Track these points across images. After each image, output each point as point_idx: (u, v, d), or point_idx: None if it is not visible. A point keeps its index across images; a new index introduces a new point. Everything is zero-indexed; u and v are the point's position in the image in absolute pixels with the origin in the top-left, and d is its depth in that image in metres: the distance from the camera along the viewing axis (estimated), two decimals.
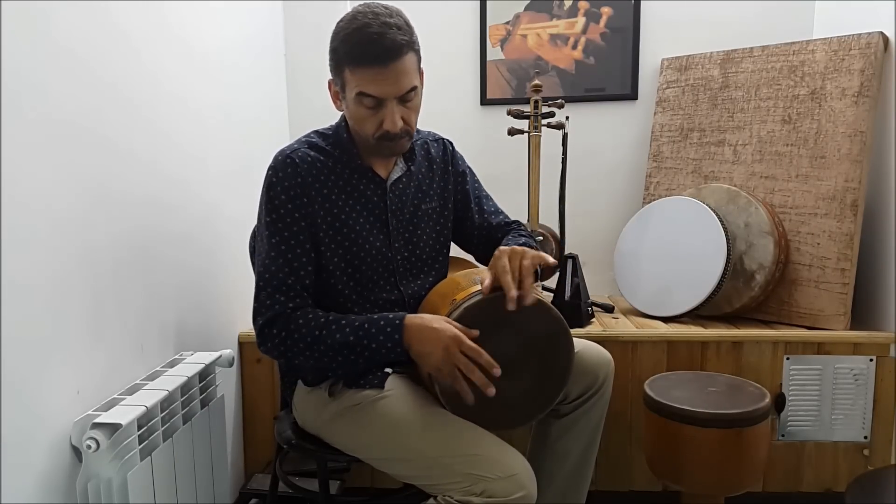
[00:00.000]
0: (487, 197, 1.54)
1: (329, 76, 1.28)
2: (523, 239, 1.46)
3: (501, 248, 1.23)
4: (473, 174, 1.52)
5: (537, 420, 1.38)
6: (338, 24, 1.23)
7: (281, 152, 1.32)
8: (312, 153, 1.31)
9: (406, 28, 1.21)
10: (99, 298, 1.24)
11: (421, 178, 1.41)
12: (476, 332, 1.17)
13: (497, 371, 1.15)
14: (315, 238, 1.29)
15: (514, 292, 1.15)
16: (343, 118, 1.35)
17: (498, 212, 1.54)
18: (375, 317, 1.24)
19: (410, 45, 1.21)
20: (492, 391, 1.16)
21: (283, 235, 1.27)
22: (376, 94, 1.21)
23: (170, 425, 1.32)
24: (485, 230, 1.50)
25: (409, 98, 1.24)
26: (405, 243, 1.37)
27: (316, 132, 1.37)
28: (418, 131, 1.45)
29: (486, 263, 1.43)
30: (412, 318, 1.22)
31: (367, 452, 1.27)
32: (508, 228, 1.52)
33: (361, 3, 1.23)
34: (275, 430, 1.45)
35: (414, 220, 1.39)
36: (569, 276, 1.95)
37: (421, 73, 1.30)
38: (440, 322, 1.19)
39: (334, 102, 1.32)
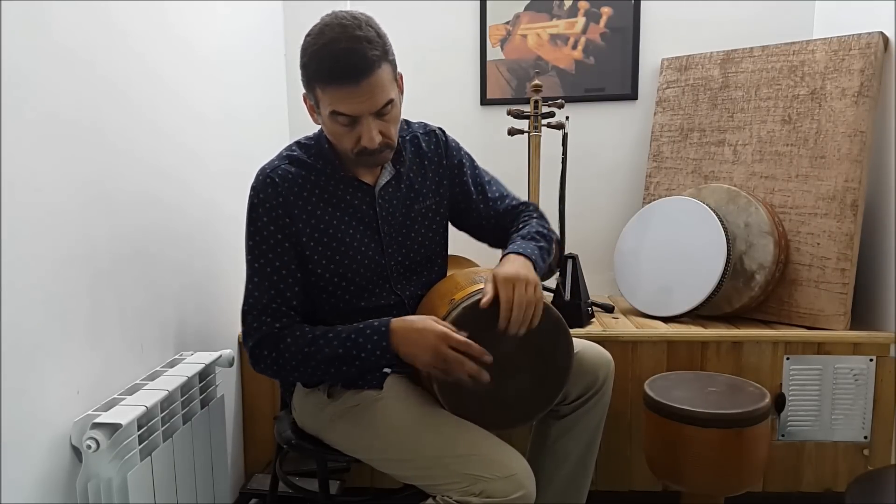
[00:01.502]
0: (490, 182, 1.47)
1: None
2: (534, 222, 1.40)
3: (507, 269, 1.21)
4: (472, 161, 1.46)
5: (537, 420, 1.38)
6: (306, 37, 1.17)
7: (262, 170, 1.28)
8: (294, 169, 1.28)
9: (377, 40, 1.15)
10: (99, 298, 1.24)
11: (412, 178, 1.37)
12: (465, 335, 1.15)
13: (488, 358, 1.15)
14: (301, 256, 1.27)
15: (512, 329, 1.18)
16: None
17: (504, 196, 1.47)
18: (361, 325, 1.22)
19: (383, 58, 1.15)
20: (486, 377, 1.16)
21: (267, 258, 1.25)
22: (350, 112, 1.16)
23: (170, 425, 1.32)
24: (493, 219, 1.45)
25: (385, 112, 1.19)
26: (398, 248, 1.35)
27: (297, 143, 1.33)
28: (408, 124, 1.40)
29: (502, 248, 1.38)
30: (397, 322, 1.21)
31: (366, 453, 1.27)
32: (517, 212, 1.45)
33: (330, 12, 1.17)
34: (275, 430, 1.45)
35: (406, 222, 1.36)
36: (569, 276, 1.95)
37: (400, 80, 1.25)
38: (425, 322, 1.18)
39: (311, 116, 1.27)
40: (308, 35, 1.18)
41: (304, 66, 1.19)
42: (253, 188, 1.28)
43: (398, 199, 1.35)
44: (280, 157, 1.31)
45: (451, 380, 1.18)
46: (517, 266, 1.22)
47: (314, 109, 1.25)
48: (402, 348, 1.19)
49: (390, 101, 1.19)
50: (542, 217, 1.45)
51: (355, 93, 1.14)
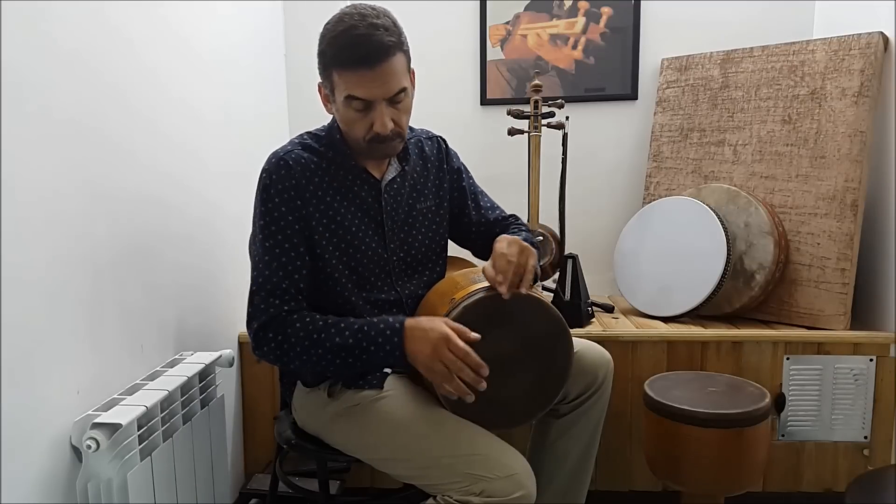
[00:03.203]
0: (483, 193, 1.53)
1: (319, 79, 1.27)
2: (523, 234, 1.45)
3: (503, 236, 1.26)
4: (468, 171, 1.52)
5: (537, 420, 1.38)
6: (325, 25, 1.22)
7: (274, 154, 1.30)
8: (306, 154, 1.30)
9: (393, 28, 1.19)
10: (99, 298, 1.24)
11: (416, 178, 1.40)
12: (476, 336, 1.15)
13: (485, 371, 1.15)
14: (311, 240, 1.28)
15: (504, 288, 1.19)
16: (335, 119, 1.33)
17: (494, 207, 1.53)
18: (375, 320, 1.23)
19: (398, 46, 1.20)
20: (482, 386, 1.15)
21: (276, 239, 1.26)
22: (364, 96, 1.19)
23: (170, 425, 1.32)
24: (482, 226, 1.50)
25: (398, 99, 1.22)
26: (401, 244, 1.37)
27: (309, 133, 1.36)
28: (411, 129, 1.44)
29: (484, 259, 1.44)
30: (410, 321, 1.21)
31: (366, 453, 1.27)
32: (506, 223, 1.51)
33: (349, 4, 1.22)
34: (275, 430, 1.45)
35: (409, 220, 1.38)
36: (569, 276, 1.95)
37: (412, 74, 1.28)
38: (432, 322, 1.18)
39: (325, 105, 1.30)
40: (327, 24, 1.22)
41: (322, 53, 1.22)
42: (265, 170, 1.29)
43: (402, 195, 1.37)
44: (292, 142, 1.33)
45: (442, 392, 1.17)
46: (514, 238, 1.28)
47: (328, 98, 1.28)
48: (408, 346, 1.19)
49: (403, 90, 1.22)
50: (528, 230, 1.51)
51: (370, 77, 1.18)
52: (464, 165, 1.51)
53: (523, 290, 1.20)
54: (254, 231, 1.31)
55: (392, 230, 1.36)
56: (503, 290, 1.18)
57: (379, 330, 1.21)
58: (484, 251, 1.50)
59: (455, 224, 1.49)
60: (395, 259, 1.36)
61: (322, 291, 1.32)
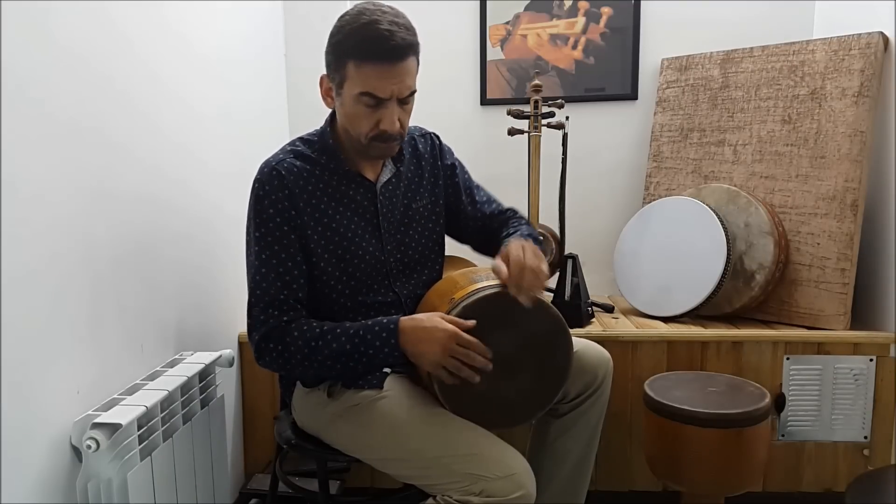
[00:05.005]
0: (478, 187, 1.52)
1: (322, 71, 1.27)
2: (524, 227, 1.45)
3: (517, 242, 1.26)
4: (462, 166, 1.50)
5: (536, 419, 1.38)
6: (342, 18, 1.21)
7: (266, 163, 1.29)
8: (298, 163, 1.29)
9: (412, 30, 1.21)
10: (99, 298, 1.24)
11: (410, 177, 1.39)
12: (472, 323, 1.18)
13: (489, 354, 1.18)
14: (306, 248, 1.28)
15: (516, 290, 1.19)
16: (328, 123, 1.33)
17: (490, 200, 1.52)
18: (370, 323, 1.24)
19: (415, 48, 1.21)
20: (489, 367, 1.18)
21: (273, 249, 1.26)
22: (380, 93, 1.19)
23: (170, 425, 1.32)
24: (479, 220, 1.49)
25: (407, 101, 1.24)
26: (397, 245, 1.37)
27: (300, 139, 1.35)
28: None
29: (482, 253, 1.45)
30: (405, 321, 1.22)
31: (366, 453, 1.27)
32: (504, 217, 1.50)
33: (356, 4, 1.22)
34: (275, 430, 1.45)
35: (405, 220, 1.38)
36: (569, 276, 1.95)
37: None
38: (433, 320, 1.19)
39: (324, 99, 1.30)
40: (344, 15, 1.21)
41: (339, 43, 1.21)
42: (258, 180, 1.29)
43: (398, 196, 1.37)
44: (284, 150, 1.33)
45: (453, 381, 1.18)
46: (523, 242, 1.27)
47: (331, 92, 1.27)
48: (411, 347, 1.20)
49: (413, 92, 1.24)
50: (529, 223, 1.50)
51: (390, 73, 1.18)
52: (458, 161, 1.49)
53: (528, 300, 1.20)
54: (248, 241, 1.31)
55: (388, 231, 1.35)
56: (524, 299, 1.19)
57: (375, 333, 1.22)
58: (484, 246, 1.50)
59: (451, 220, 1.48)
60: (393, 260, 1.36)
61: (319, 298, 1.32)
